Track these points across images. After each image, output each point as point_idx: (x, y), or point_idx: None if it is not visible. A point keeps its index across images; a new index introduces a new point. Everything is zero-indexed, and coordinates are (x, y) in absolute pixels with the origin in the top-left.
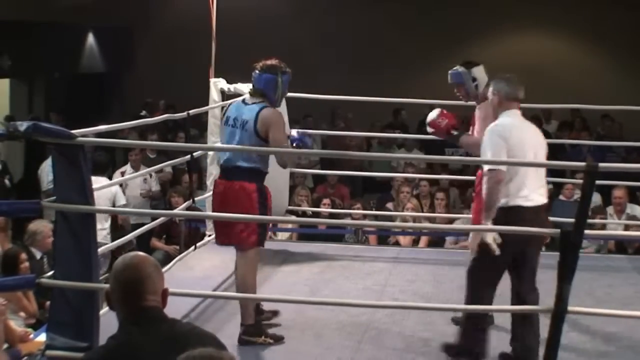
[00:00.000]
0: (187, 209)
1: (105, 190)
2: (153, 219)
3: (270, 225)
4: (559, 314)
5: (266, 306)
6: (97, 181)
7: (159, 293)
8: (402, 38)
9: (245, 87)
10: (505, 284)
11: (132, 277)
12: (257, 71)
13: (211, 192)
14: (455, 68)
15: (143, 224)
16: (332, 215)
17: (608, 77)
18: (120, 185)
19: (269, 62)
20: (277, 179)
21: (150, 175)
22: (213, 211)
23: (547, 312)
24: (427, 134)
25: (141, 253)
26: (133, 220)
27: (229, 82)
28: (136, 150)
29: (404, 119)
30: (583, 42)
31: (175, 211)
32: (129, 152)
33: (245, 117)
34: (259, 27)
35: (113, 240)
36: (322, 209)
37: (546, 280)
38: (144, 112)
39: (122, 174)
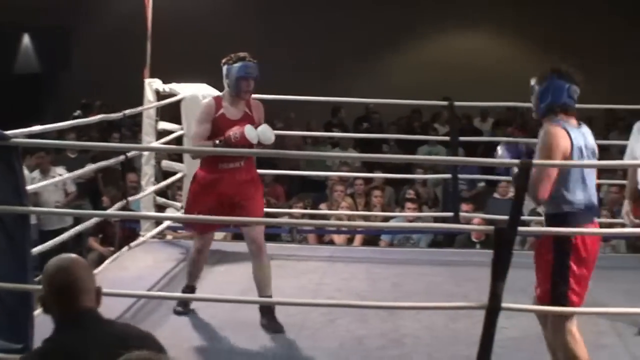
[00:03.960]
0: (121, 209)
1: None
2: (77, 222)
3: None
4: (492, 310)
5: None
6: None
7: (92, 293)
8: (341, 37)
9: (180, 88)
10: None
11: (64, 280)
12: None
13: (147, 192)
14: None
15: (64, 229)
16: (267, 214)
17: None
18: None
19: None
20: None
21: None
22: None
23: (481, 309)
24: (364, 132)
25: (71, 254)
26: (53, 226)
27: (167, 82)
28: (41, 153)
29: (343, 118)
30: (523, 40)
31: (111, 212)
32: (33, 154)
33: (591, 143)
34: (197, 28)
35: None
36: None
37: (480, 277)
38: (78, 113)
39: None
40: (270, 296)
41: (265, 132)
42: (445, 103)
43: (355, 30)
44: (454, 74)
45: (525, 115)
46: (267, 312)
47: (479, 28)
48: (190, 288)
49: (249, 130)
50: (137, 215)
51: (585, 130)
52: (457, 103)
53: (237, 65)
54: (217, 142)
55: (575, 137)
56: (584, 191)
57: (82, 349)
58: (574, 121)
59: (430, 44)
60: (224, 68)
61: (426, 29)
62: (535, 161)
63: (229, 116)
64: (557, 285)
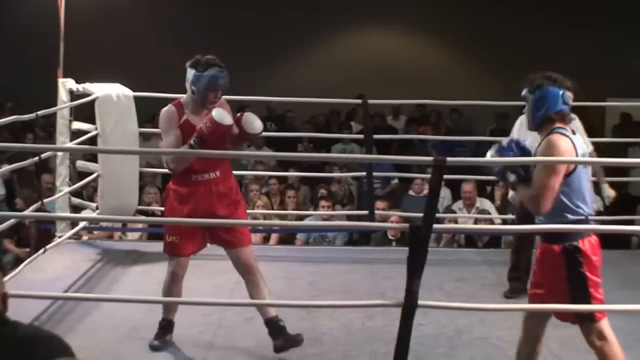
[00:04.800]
0: (36, 210)
1: None
2: None
3: (120, 225)
4: (409, 308)
5: None
6: None
7: None
8: (245, 36)
9: (93, 87)
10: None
11: None
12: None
13: (62, 193)
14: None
15: None
16: None
17: (458, 73)
18: None
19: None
20: (126, 178)
21: None
22: None
23: (398, 307)
24: (273, 131)
25: None
26: None
27: (79, 82)
28: None
29: None
30: (434, 38)
31: (29, 213)
32: None
33: (585, 148)
34: (110, 27)
35: None
36: None
37: (396, 274)
38: None
39: None
40: (277, 317)
41: (251, 120)
42: (358, 101)
43: (265, 31)
44: (365, 73)
45: (441, 113)
46: (279, 331)
47: (387, 27)
48: (166, 321)
49: (216, 113)
50: (55, 217)
51: (578, 135)
52: (370, 101)
53: (207, 74)
54: (191, 142)
55: (578, 145)
56: (584, 200)
57: None
58: (569, 128)
59: (340, 44)
60: (190, 73)
61: (336, 28)
62: (450, 159)
63: (194, 123)
64: (576, 298)
